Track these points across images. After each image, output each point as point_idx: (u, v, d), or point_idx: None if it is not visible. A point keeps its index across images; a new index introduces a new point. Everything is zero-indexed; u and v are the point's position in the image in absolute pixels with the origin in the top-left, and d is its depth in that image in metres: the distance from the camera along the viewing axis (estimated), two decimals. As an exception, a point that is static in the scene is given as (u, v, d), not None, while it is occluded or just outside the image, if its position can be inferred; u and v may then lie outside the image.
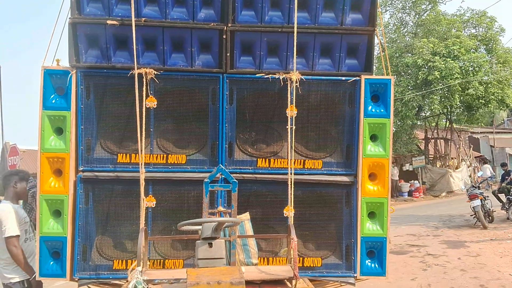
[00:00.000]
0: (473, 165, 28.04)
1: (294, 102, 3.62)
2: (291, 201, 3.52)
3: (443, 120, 28.04)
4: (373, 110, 3.78)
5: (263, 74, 3.73)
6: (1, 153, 17.49)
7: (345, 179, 3.84)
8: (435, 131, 27.46)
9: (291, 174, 3.54)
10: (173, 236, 3.74)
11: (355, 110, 3.81)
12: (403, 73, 24.13)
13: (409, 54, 24.16)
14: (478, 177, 16.38)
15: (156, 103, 3.67)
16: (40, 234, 3.59)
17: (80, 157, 3.69)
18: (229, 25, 3.63)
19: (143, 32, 3.60)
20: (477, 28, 25.82)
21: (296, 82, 3.64)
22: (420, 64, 22.22)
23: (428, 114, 26.52)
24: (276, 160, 3.86)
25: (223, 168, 3.53)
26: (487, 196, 13.43)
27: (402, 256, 9.59)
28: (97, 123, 3.77)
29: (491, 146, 35.36)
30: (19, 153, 15.97)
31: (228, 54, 3.67)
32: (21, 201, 4.53)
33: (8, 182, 4.25)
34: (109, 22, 3.56)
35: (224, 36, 3.64)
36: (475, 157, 30.90)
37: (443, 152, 26.77)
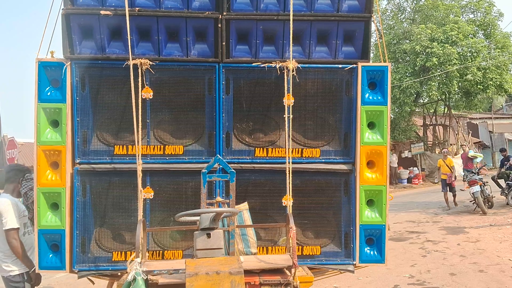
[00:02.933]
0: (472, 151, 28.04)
1: (291, 91, 3.60)
2: (289, 190, 3.51)
3: (442, 107, 28.04)
4: (371, 97, 3.75)
5: (260, 63, 3.70)
6: (-1, 146, 17.45)
7: (343, 167, 3.83)
8: (434, 117, 27.48)
9: (289, 163, 3.53)
10: (171, 227, 3.73)
11: (352, 97, 3.79)
12: (401, 60, 24.07)
13: (407, 41, 24.07)
14: (477, 162, 16.35)
15: (152, 93, 3.65)
16: (38, 227, 3.58)
17: (76, 150, 3.68)
18: (224, 13, 3.60)
19: (137, 22, 3.57)
20: (475, 13, 25.69)
21: (293, 71, 3.61)
22: (418, 51, 22.15)
23: (426, 100, 26.50)
24: (274, 149, 3.85)
25: (221, 158, 3.51)
26: (487, 182, 13.46)
27: (402, 243, 9.64)
28: (93, 115, 3.74)
29: (489, 131, 35.37)
30: (17, 146, 15.96)
31: (224, 43, 3.64)
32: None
33: (15, 178, 4.25)
34: (102, 12, 3.52)
35: (219, 25, 3.60)
36: (474, 143, 30.91)
37: (441, 139, 26.79)
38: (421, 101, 26.58)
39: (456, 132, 28.00)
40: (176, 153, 3.78)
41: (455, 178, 14.63)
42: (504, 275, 6.92)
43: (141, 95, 3.55)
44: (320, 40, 3.76)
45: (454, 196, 14.50)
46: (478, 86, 22.62)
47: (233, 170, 3.41)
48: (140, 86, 3.52)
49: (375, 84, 3.79)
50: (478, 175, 13.24)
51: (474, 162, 17.49)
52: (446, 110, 27.15)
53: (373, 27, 3.83)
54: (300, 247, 3.82)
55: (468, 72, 22.03)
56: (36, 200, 3.58)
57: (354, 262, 3.84)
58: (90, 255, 3.73)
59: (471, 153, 17.30)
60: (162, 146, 3.78)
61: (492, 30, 24.60)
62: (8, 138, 16.47)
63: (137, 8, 3.54)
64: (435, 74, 22.24)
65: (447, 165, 14.34)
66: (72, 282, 7.35)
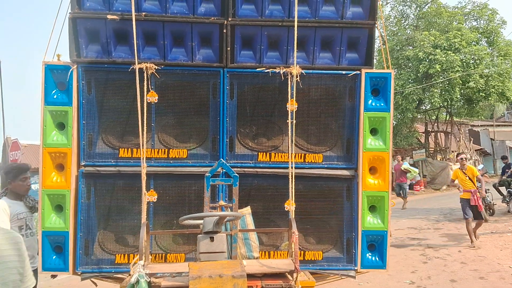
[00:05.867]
0: (473, 158, 28.05)
1: (294, 96, 3.63)
2: (292, 195, 3.53)
3: (444, 113, 28.03)
4: (373, 104, 3.78)
5: (264, 68, 3.73)
6: (2, 147, 17.50)
7: (345, 173, 3.85)
8: (436, 124, 27.48)
9: (292, 168, 3.55)
10: (174, 230, 3.76)
11: (355, 104, 3.82)
12: (403, 66, 24.11)
13: (410, 47, 24.12)
14: (479, 170, 16.14)
15: (157, 97, 3.68)
16: (42, 229, 3.61)
17: (82, 152, 3.71)
18: (230, 19, 3.64)
19: (144, 26, 3.61)
20: (478, 20, 25.74)
21: (297, 76, 3.64)
22: (421, 57, 22.19)
23: (428, 107, 26.52)
24: (277, 154, 3.87)
25: (224, 162, 3.54)
26: (488, 189, 13.45)
27: (403, 249, 9.63)
28: (98, 118, 3.78)
29: (491, 139, 35.33)
30: (20, 148, 16.00)
31: (229, 49, 3.67)
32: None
33: (5, 180, 4.25)
34: (109, 16, 3.56)
35: (225, 31, 3.64)
36: (475, 150, 30.90)
37: (443, 145, 26.80)
38: (423, 107, 26.60)
39: (458, 139, 28.01)
40: (180, 156, 3.81)
41: (484, 197, 10.43)
42: (504, 282, 6.91)
43: (146, 99, 3.58)
44: (324, 46, 3.80)
45: (479, 224, 9.76)
46: (480, 94, 22.63)
47: (236, 174, 3.43)
48: (145, 90, 3.55)
49: (378, 91, 3.82)
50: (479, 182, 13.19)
51: (408, 176, 15.89)
52: (448, 117, 27.15)
53: (376, 33, 3.86)
54: (302, 252, 3.84)
55: (470, 79, 22.05)
56: (41, 202, 3.60)
57: (356, 268, 3.85)
58: (93, 257, 3.75)
59: (405, 166, 15.80)
60: (166, 150, 3.81)
61: (495, 38, 24.64)
62: (12, 140, 16.51)
63: (143, 13, 3.58)
64: (437, 81, 22.27)
65: (469, 178, 9.60)
66: (74, 284, 7.36)
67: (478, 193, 9.37)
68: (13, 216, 4.14)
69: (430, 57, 22.04)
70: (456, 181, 9.73)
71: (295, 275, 3.00)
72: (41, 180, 3.61)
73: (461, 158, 10.05)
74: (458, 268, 7.91)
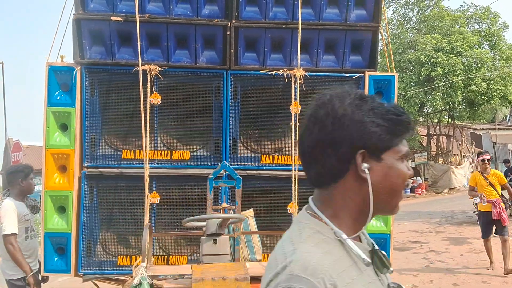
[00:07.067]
0: (475, 161, 28.01)
1: (298, 99, 3.63)
2: (295, 198, 3.52)
3: (445, 117, 28.01)
4: (377, 106, 3.77)
5: (267, 71, 3.73)
6: (4, 149, 17.53)
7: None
8: (437, 127, 27.43)
9: (295, 170, 3.55)
10: (177, 232, 3.75)
11: (359, 106, 3.80)
12: (405, 69, 24.09)
13: (412, 50, 24.11)
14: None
15: (160, 99, 3.68)
16: (44, 230, 3.60)
17: (84, 153, 3.71)
18: (233, 21, 3.64)
19: (147, 28, 3.61)
20: (480, 24, 25.73)
21: (300, 79, 3.64)
22: (423, 60, 22.15)
23: (430, 110, 26.48)
24: (280, 156, 3.87)
25: (227, 164, 3.53)
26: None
27: (405, 253, 9.60)
28: (101, 119, 3.78)
29: (493, 142, 35.25)
30: (22, 149, 15.99)
31: (232, 51, 3.67)
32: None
33: (14, 179, 4.21)
34: (113, 18, 3.56)
35: (228, 33, 3.64)
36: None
37: (445, 149, 26.76)
38: (425, 111, 26.56)
39: (460, 143, 27.96)
40: (183, 158, 3.81)
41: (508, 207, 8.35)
42: (507, 286, 6.89)
43: (150, 100, 3.58)
44: (327, 48, 3.80)
45: (506, 243, 7.30)
46: (482, 97, 22.58)
47: (239, 177, 3.43)
48: (148, 91, 3.55)
49: (382, 93, 3.81)
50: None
51: None
52: (450, 120, 27.12)
53: (379, 36, 3.86)
54: (304, 254, 3.82)
55: (472, 82, 22.02)
56: (43, 203, 3.60)
57: (359, 271, 3.83)
58: (95, 258, 3.75)
59: None
60: (169, 152, 3.80)
61: (497, 41, 24.61)
62: (13, 141, 16.53)
63: (147, 15, 3.58)
64: (439, 84, 22.24)
65: (491, 185, 7.69)
66: (76, 286, 7.35)
67: (502, 204, 7.49)
68: (21, 217, 4.11)
69: (432, 60, 22.01)
70: (476, 189, 7.83)
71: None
72: (44, 181, 3.61)
73: (483, 160, 7.81)
74: (460, 271, 7.88)
